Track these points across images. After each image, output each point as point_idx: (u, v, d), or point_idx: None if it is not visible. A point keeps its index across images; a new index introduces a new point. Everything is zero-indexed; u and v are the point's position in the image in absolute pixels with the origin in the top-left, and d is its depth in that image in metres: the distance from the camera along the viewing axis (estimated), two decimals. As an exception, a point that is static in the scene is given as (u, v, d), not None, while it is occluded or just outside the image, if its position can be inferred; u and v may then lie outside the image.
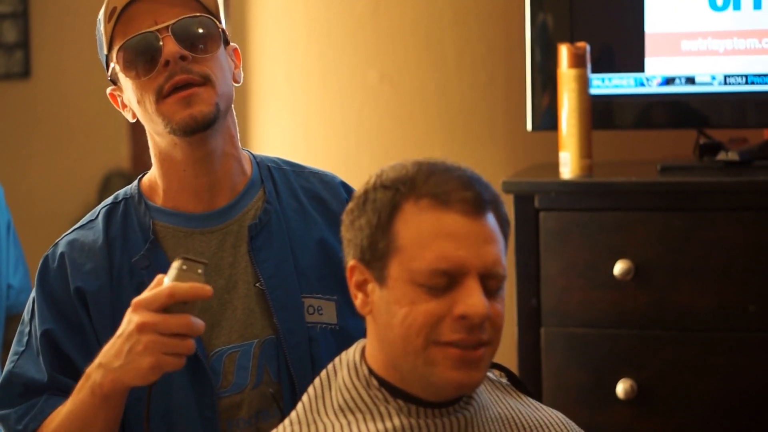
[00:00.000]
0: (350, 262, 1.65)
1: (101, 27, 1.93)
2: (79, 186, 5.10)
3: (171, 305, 1.69)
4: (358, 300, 1.65)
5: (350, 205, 1.67)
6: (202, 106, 1.87)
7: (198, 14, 1.91)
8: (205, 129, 1.89)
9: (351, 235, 1.65)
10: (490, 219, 1.61)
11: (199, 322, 1.70)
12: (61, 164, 5.15)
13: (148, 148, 1.99)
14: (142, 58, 1.88)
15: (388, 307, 1.60)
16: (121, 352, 1.72)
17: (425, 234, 1.58)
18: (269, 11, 3.36)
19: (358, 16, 3.28)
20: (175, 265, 1.70)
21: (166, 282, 1.70)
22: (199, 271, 1.70)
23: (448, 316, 1.57)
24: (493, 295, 1.60)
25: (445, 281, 1.57)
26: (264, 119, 3.41)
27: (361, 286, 1.64)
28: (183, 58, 1.87)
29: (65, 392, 1.89)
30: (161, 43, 1.87)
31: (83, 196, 5.00)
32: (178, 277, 1.69)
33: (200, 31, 1.90)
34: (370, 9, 3.27)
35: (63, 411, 1.85)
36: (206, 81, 1.88)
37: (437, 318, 1.57)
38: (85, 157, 5.14)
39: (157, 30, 1.88)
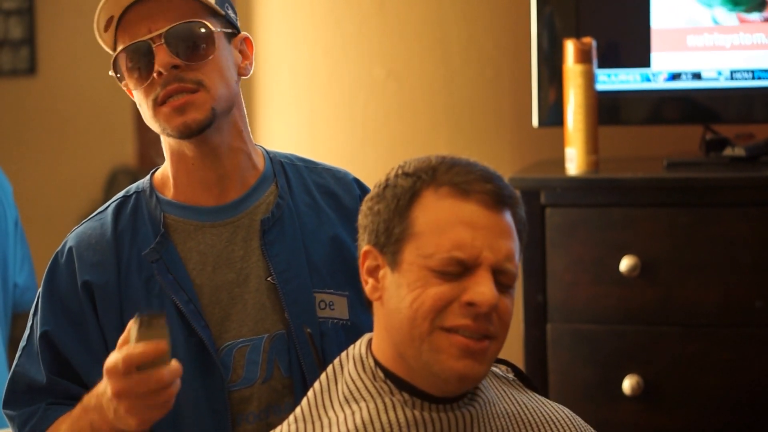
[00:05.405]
0: (364, 248, 1.65)
1: (98, 37, 1.93)
2: (85, 183, 5.11)
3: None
4: (368, 285, 1.65)
5: (371, 193, 1.68)
6: (195, 113, 1.88)
7: (191, 20, 1.89)
8: (200, 133, 1.90)
9: (368, 221, 1.66)
10: (508, 216, 1.63)
11: (172, 369, 1.69)
12: (66, 161, 5.16)
13: (154, 144, 2.00)
14: (138, 68, 1.89)
15: (398, 291, 1.60)
16: (109, 410, 1.76)
17: (443, 221, 1.59)
18: (275, 7, 3.36)
19: (364, 12, 3.28)
20: (132, 326, 1.69)
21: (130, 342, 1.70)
22: (161, 323, 1.68)
23: (456, 302, 1.57)
24: (503, 291, 1.60)
25: (458, 269, 1.58)
26: (270, 115, 3.41)
27: (373, 272, 1.65)
28: (176, 66, 1.87)
29: (64, 396, 1.93)
30: (154, 52, 1.87)
31: (89, 193, 5.00)
32: (139, 338, 1.68)
33: (193, 37, 1.88)
34: (376, 5, 3.27)
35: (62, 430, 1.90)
36: (199, 87, 1.88)
37: (445, 302, 1.57)
38: (90, 154, 5.14)
39: (150, 39, 1.87)
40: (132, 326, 1.69)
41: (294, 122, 3.39)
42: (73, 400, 1.92)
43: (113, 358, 1.71)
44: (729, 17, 2.75)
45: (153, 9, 1.88)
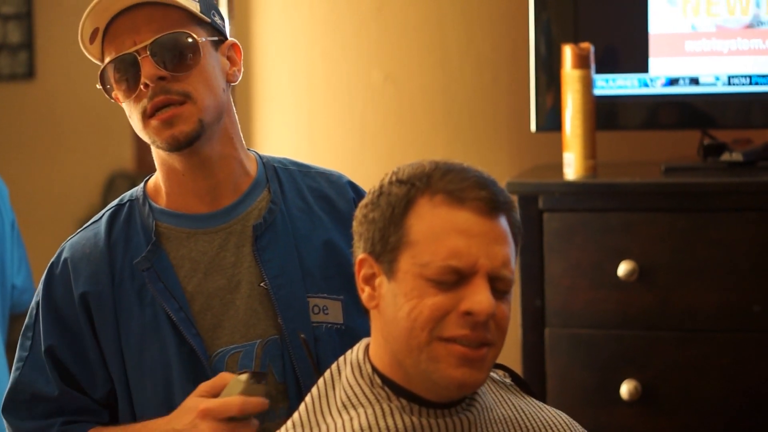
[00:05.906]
0: (360, 256, 1.65)
1: (83, 49, 1.93)
2: (83, 187, 5.11)
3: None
4: (364, 294, 1.65)
5: (365, 200, 1.67)
6: (183, 126, 1.87)
7: (176, 30, 1.88)
8: (190, 145, 1.90)
9: (363, 228, 1.65)
10: (503, 221, 1.62)
11: (256, 424, 1.83)
12: (65, 165, 5.16)
13: (151, 149, 2.00)
14: (125, 79, 1.89)
15: (395, 300, 1.60)
16: None
17: (438, 229, 1.58)
18: (273, 10, 3.36)
19: (362, 15, 3.28)
20: (243, 378, 1.80)
21: (230, 392, 1.81)
22: (263, 382, 1.82)
23: (454, 312, 1.57)
24: (500, 297, 1.60)
25: (454, 278, 1.57)
26: (267, 119, 3.41)
27: (369, 280, 1.64)
28: (162, 78, 1.86)
29: (73, 407, 1.94)
30: (140, 64, 1.87)
31: (87, 197, 5.01)
32: (246, 390, 1.80)
33: (178, 47, 1.88)
34: (374, 8, 3.27)
35: None
36: (186, 99, 1.88)
37: (443, 312, 1.57)
38: (89, 158, 5.14)
39: (136, 51, 1.87)
40: (241, 378, 1.81)
41: (292, 125, 3.39)
42: (80, 413, 1.94)
43: (217, 402, 1.80)
44: (707, 24, 2.75)
45: (137, 20, 1.88)
